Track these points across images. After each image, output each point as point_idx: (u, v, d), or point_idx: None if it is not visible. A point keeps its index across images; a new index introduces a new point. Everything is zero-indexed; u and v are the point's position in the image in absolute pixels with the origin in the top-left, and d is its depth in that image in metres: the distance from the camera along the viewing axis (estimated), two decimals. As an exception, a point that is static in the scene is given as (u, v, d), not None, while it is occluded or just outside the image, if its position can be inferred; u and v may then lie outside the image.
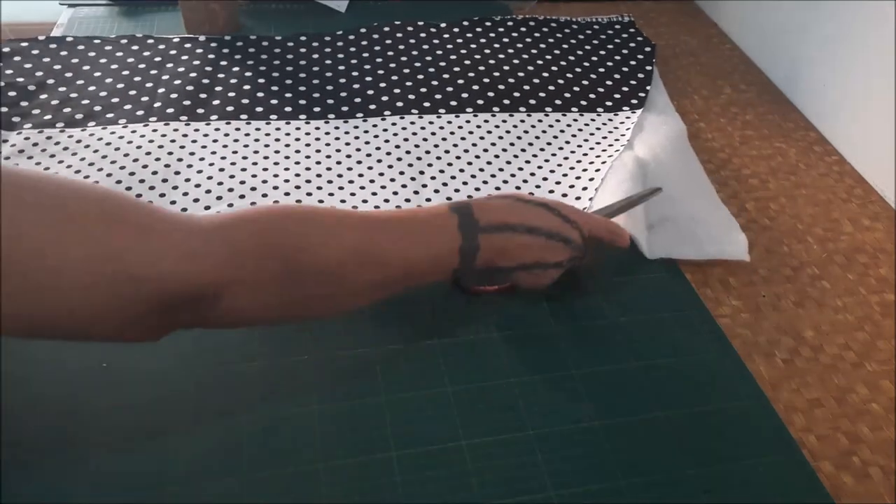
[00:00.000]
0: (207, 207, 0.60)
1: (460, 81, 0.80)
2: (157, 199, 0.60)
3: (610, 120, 0.76)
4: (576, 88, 0.81)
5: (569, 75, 0.83)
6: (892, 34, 0.68)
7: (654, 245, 0.60)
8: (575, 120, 0.76)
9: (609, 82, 0.83)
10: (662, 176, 0.64)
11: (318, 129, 0.71)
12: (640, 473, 0.44)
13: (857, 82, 0.74)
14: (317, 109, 0.74)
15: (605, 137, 0.73)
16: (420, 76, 0.80)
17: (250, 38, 0.86)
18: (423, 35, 0.89)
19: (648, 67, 0.86)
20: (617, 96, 0.80)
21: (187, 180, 0.63)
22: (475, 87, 0.79)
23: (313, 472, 0.43)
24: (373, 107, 0.75)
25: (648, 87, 0.82)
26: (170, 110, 0.71)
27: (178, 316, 0.39)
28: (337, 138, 0.70)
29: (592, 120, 0.76)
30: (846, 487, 0.45)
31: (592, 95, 0.80)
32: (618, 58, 0.88)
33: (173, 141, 0.67)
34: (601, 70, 0.85)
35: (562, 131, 0.74)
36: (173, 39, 0.84)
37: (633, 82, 0.83)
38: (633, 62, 0.87)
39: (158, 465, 0.43)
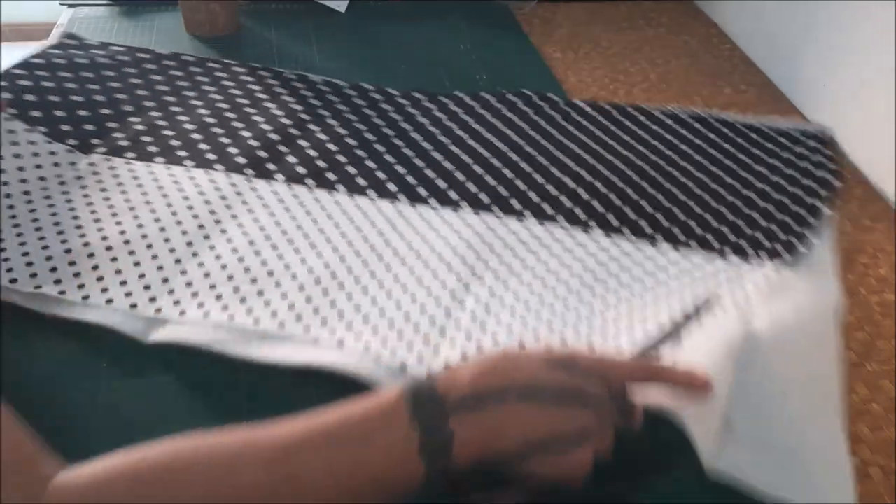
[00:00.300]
0: (212, 286, 0.54)
1: (566, 181, 0.66)
2: (171, 268, 0.55)
3: (737, 270, 0.57)
4: (706, 216, 0.62)
5: (703, 195, 0.65)
6: (892, 34, 0.68)
7: (722, 455, 0.43)
8: (691, 260, 0.58)
9: (755, 214, 0.62)
10: (779, 369, 0.47)
11: (380, 210, 0.62)
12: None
13: (858, 82, 0.74)
14: (391, 187, 0.65)
15: (719, 292, 0.54)
16: (523, 165, 0.68)
17: (364, 86, 0.78)
18: (547, 114, 0.75)
19: (820, 206, 0.62)
20: (759, 237, 0.60)
21: (212, 248, 0.57)
22: (579, 192, 0.65)
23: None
24: (452, 195, 0.64)
25: (810, 236, 0.59)
26: (240, 160, 0.66)
27: None
28: (394, 226, 0.61)
29: (713, 264, 0.58)
30: (846, 487, 0.45)
31: (726, 229, 0.61)
32: (779, 180, 0.66)
33: (224, 198, 0.62)
34: (751, 196, 0.64)
35: (663, 267, 0.57)
36: (286, 74, 0.80)
37: (789, 223, 0.61)
38: (797, 192, 0.64)
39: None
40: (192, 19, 0.87)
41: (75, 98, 0.70)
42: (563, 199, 0.64)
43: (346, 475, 0.33)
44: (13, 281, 0.52)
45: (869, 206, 0.69)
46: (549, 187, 0.65)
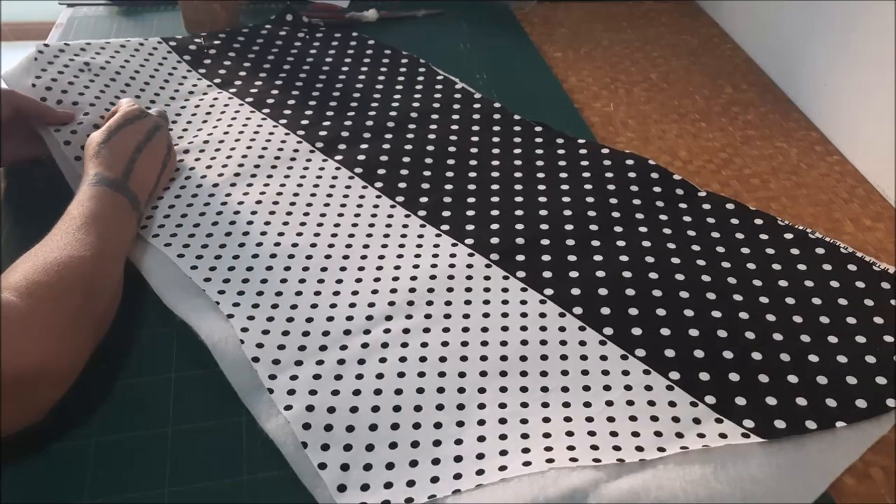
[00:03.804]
0: (196, 225, 0.59)
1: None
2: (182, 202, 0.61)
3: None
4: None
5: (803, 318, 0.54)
6: (892, 34, 0.68)
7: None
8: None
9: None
10: None
11: (389, 216, 0.61)
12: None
13: (859, 82, 0.74)
14: (423, 200, 0.63)
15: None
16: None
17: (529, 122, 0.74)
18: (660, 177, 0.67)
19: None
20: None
21: (226, 188, 0.63)
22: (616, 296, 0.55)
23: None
24: (495, 267, 0.57)
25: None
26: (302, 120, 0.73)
27: None
28: (404, 234, 0.59)
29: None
30: (846, 488, 0.45)
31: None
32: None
33: (295, 152, 0.68)
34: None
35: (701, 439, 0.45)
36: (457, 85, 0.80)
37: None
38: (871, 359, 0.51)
39: (158, 465, 0.43)
40: (192, 19, 0.87)
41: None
42: (610, 332, 0.52)
43: (118, 230, 0.53)
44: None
45: (869, 206, 0.69)
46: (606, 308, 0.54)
